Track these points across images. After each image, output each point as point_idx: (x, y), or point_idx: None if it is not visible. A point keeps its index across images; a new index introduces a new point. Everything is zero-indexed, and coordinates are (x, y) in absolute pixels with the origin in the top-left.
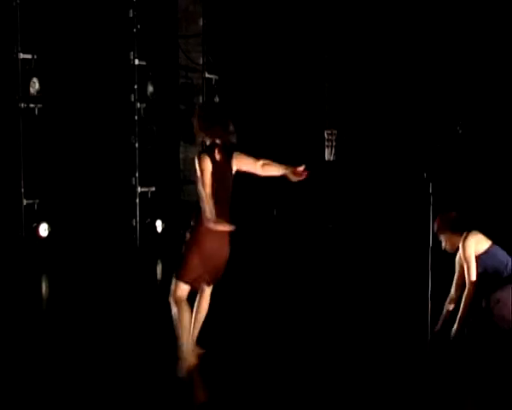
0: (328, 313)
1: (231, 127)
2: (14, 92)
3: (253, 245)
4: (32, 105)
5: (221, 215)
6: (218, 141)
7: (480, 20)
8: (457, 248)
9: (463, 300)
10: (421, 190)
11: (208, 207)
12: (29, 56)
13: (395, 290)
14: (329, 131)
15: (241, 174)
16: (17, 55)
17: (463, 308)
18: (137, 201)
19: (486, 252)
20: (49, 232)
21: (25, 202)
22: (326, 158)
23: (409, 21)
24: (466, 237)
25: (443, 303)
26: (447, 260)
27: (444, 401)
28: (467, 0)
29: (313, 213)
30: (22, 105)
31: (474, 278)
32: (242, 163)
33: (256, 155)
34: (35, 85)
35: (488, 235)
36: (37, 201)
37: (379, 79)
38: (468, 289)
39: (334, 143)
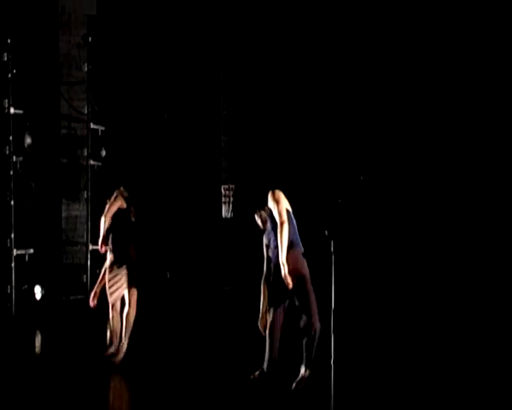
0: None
1: None
2: None
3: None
4: None
5: None
6: None
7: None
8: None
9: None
10: (322, 249)
11: None
12: None
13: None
14: (227, 187)
15: None
16: None
17: None
18: (13, 265)
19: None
20: None
21: None
22: (223, 215)
23: (302, 78)
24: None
25: None
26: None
27: None
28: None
29: (209, 275)
30: None
31: None
32: None
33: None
34: None
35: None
36: None
37: (276, 132)
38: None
39: (231, 199)
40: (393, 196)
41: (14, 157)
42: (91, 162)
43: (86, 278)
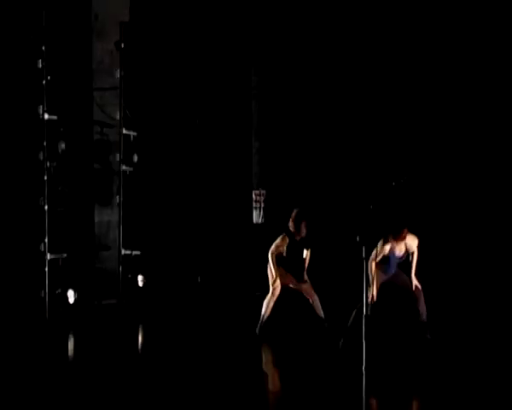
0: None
1: None
2: None
3: (176, 314)
4: None
5: None
6: None
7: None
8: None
9: None
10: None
11: None
12: None
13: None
14: (258, 192)
15: None
16: None
17: None
18: (46, 269)
19: None
20: None
21: None
22: (254, 220)
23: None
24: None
25: None
26: None
27: None
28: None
29: (240, 280)
30: None
31: None
32: None
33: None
34: None
35: None
36: None
37: (307, 137)
38: None
39: (262, 205)
40: (425, 200)
41: (48, 162)
42: (123, 168)
43: (118, 282)
